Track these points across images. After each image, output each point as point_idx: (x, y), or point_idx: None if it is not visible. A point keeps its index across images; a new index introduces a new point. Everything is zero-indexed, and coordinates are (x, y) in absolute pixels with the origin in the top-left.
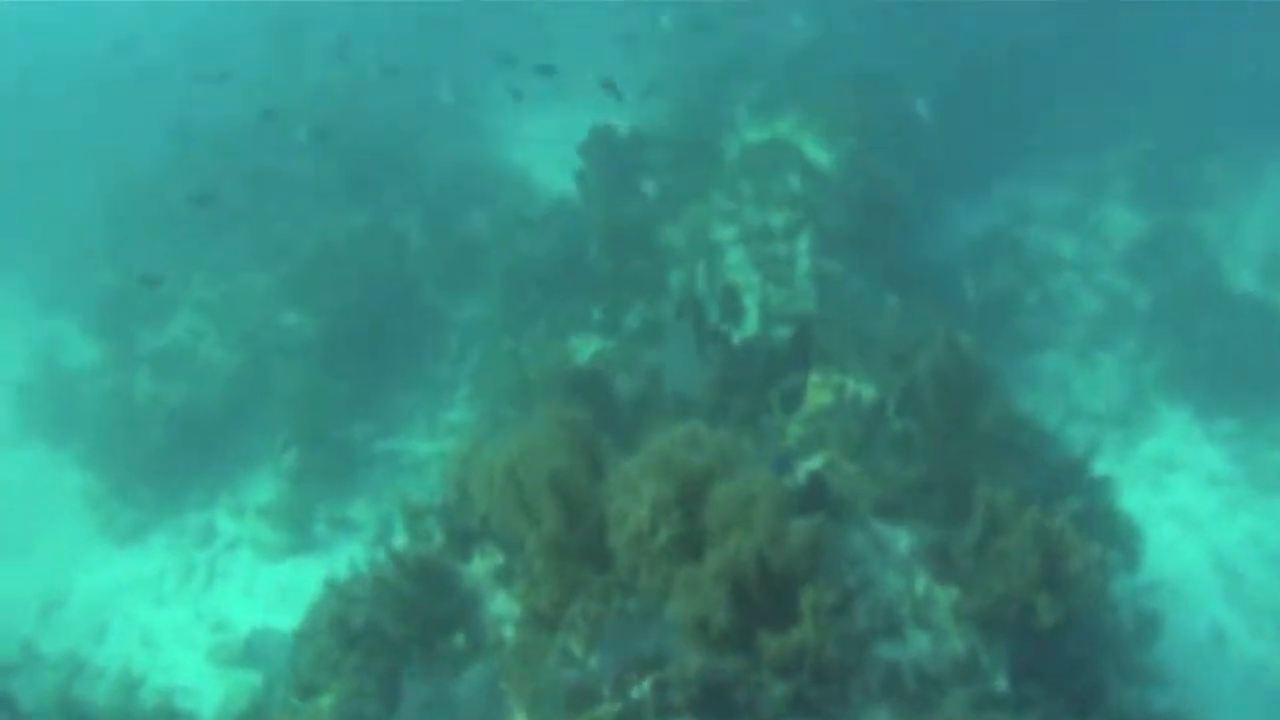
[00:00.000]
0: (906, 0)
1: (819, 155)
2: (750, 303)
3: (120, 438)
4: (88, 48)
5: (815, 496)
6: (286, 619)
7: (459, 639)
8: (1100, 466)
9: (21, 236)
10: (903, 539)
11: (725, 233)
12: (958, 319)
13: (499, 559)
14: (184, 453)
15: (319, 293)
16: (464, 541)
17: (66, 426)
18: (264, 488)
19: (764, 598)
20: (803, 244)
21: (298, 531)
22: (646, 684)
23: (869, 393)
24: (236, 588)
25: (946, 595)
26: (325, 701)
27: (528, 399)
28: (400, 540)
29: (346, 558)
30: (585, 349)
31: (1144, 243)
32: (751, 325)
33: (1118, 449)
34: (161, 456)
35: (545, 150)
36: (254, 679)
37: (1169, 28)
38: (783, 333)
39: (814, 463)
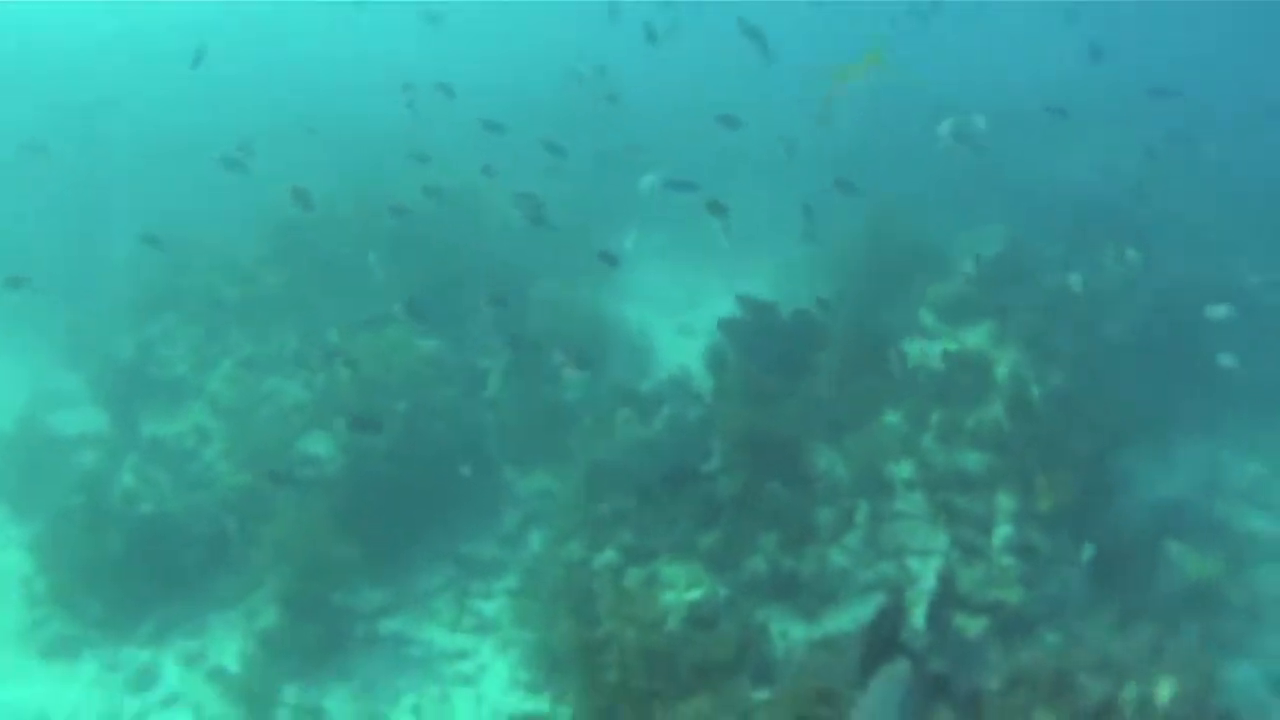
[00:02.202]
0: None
1: (1025, 385)
2: (926, 570)
3: (79, 532)
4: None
5: None
6: None
7: None
8: None
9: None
10: None
11: (901, 469)
12: (1156, 612)
13: None
14: (146, 571)
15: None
16: None
17: (32, 498)
18: (229, 643)
19: None
20: (1005, 502)
21: (252, 712)
22: None
23: None
24: None
25: None
26: None
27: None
28: None
29: None
30: (682, 592)
31: None
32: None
33: None
34: (118, 568)
35: (667, 313)
36: None
37: None
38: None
39: None
